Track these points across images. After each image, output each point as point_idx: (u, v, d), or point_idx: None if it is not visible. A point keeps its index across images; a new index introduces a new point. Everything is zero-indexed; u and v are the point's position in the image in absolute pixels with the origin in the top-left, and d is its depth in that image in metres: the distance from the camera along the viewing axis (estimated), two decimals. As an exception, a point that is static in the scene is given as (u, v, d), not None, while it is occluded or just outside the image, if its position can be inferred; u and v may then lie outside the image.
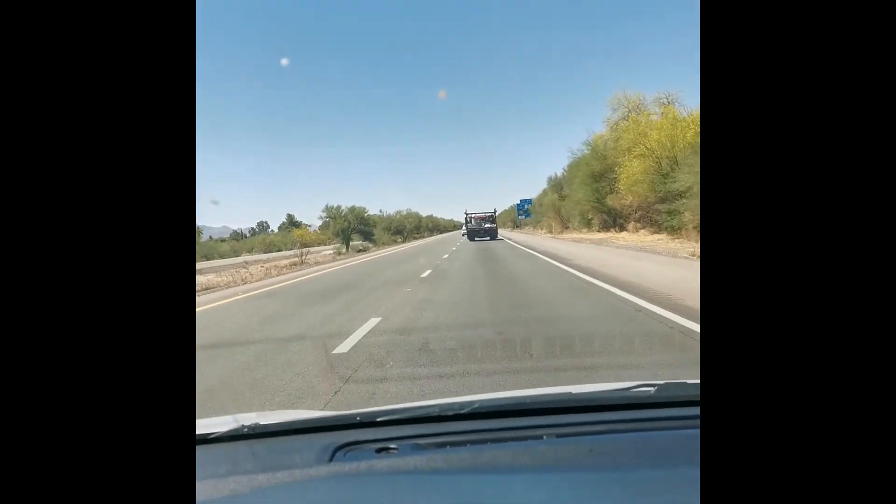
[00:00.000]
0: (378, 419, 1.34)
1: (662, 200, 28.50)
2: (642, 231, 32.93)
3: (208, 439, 1.30)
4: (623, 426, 1.30)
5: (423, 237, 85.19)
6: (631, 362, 4.57)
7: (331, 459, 1.19)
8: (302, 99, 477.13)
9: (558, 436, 1.24)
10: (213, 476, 1.10)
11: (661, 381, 1.41)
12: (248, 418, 1.39)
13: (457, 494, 1.00)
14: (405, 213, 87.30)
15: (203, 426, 1.31)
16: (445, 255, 23.78)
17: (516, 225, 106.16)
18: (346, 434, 1.31)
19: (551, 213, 59.56)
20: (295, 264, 24.19)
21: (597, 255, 18.91)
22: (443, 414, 1.34)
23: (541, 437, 1.24)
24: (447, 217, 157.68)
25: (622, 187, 32.83)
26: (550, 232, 59.68)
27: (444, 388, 3.95)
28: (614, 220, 40.96)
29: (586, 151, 43.18)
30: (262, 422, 1.36)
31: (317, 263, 25.04)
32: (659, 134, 29.20)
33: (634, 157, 31.05)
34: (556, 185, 64.70)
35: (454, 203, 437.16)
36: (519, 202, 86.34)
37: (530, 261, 17.74)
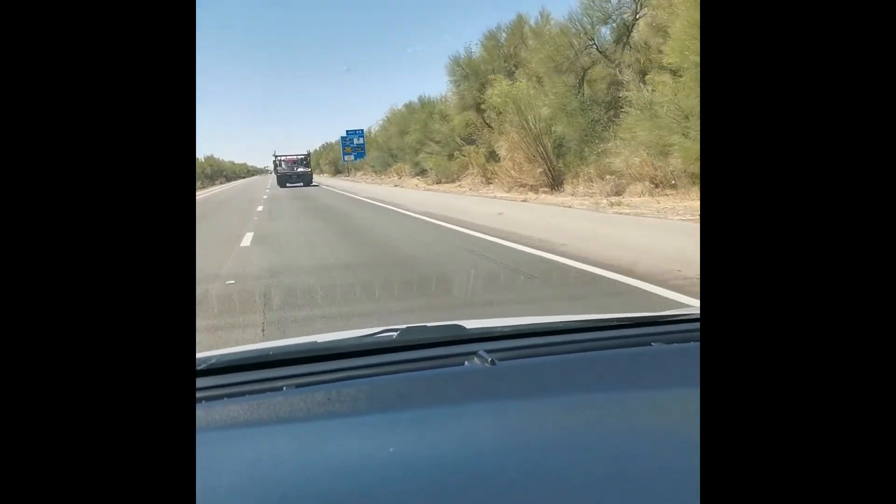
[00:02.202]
0: None
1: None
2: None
3: None
4: (362, 371, 1.28)
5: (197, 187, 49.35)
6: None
7: None
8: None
9: (297, 385, 1.21)
10: None
11: (403, 326, 1.43)
12: None
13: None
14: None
15: None
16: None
17: (338, 170, 70.10)
18: None
19: (470, 150, 24.88)
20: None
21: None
22: None
23: (280, 389, 1.19)
24: (248, 162, 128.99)
25: None
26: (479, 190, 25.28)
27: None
28: None
29: None
30: None
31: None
32: None
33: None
34: (472, 76, 30.04)
35: (262, 148, 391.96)
36: (345, 134, 52.26)
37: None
